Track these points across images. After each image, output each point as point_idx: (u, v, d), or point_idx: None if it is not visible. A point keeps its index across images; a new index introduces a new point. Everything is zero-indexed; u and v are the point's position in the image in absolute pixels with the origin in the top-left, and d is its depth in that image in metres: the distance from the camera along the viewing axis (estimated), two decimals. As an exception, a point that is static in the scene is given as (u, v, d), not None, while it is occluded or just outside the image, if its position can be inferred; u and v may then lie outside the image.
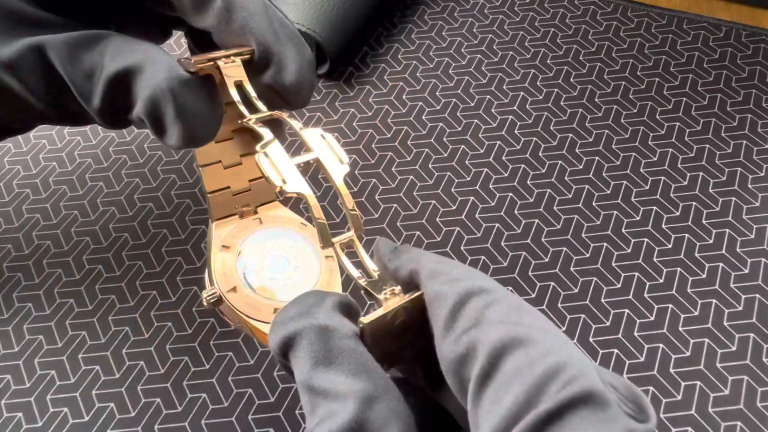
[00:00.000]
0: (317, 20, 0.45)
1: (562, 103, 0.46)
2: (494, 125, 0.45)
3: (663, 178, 0.42)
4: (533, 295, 0.37)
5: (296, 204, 0.39)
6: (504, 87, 0.47)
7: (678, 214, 0.41)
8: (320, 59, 0.48)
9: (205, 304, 0.29)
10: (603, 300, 0.37)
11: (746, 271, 0.38)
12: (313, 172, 0.42)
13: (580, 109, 0.46)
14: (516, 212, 0.41)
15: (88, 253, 0.40)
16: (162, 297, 0.38)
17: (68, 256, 0.40)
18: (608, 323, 0.36)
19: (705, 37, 0.49)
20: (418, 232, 0.40)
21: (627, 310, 0.37)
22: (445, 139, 0.44)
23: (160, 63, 0.26)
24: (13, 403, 0.35)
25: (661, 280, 0.38)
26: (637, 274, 0.38)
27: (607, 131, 0.44)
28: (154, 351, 0.36)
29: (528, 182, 0.42)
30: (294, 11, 0.46)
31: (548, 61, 0.49)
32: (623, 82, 0.47)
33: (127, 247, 0.40)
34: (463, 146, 0.44)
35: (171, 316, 0.37)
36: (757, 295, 0.37)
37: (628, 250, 0.39)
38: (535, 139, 0.44)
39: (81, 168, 0.44)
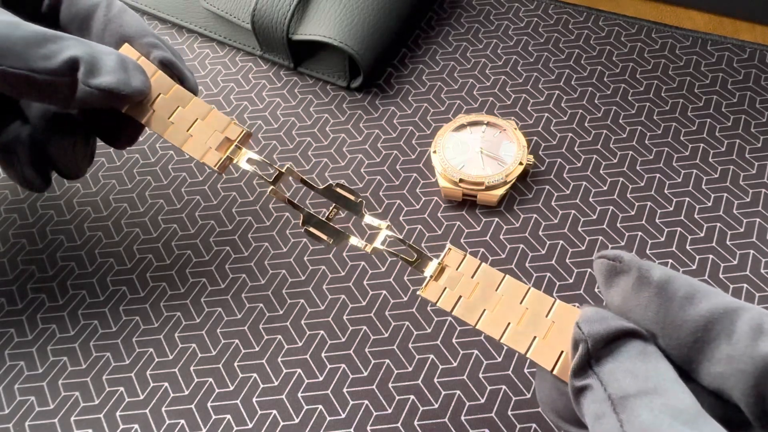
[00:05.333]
0: (349, 34, 0.46)
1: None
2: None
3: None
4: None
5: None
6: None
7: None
8: (354, 73, 0.48)
9: None
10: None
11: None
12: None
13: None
14: (535, 230, 0.41)
15: (112, 274, 0.40)
16: (186, 319, 0.38)
17: (92, 277, 0.40)
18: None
19: (729, 58, 0.49)
20: (440, 253, 0.40)
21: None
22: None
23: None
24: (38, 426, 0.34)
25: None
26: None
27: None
28: (179, 372, 0.36)
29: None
30: (325, 27, 0.46)
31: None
32: (647, 104, 0.47)
33: (151, 269, 0.40)
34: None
35: (195, 337, 0.37)
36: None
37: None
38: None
39: (106, 189, 0.44)
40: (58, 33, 0.32)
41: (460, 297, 0.28)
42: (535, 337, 0.26)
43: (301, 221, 0.32)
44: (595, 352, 0.22)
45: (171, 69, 0.34)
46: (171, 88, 0.34)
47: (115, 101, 0.32)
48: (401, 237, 0.31)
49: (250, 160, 0.34)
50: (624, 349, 0.22)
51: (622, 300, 0.24)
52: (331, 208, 0.33)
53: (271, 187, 0.33)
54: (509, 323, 0.27)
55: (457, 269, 0.29)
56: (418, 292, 0.29)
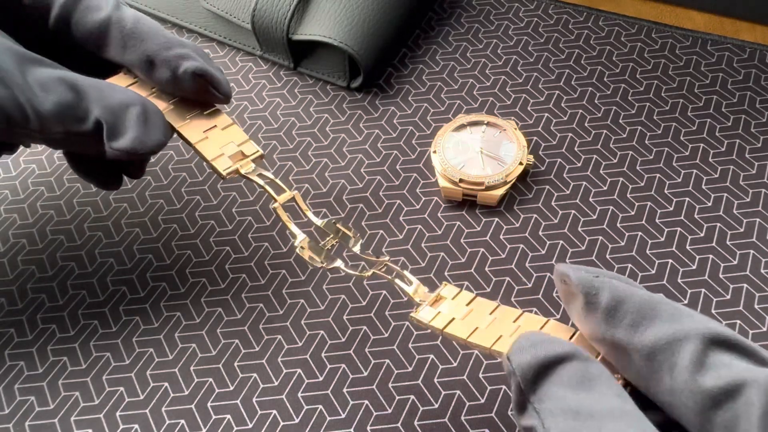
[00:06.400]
0: (349, 34, 0.46)
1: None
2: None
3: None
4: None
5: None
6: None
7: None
8: (354, 73, 0.48)
9: None
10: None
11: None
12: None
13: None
14: (541, 233, 0.41)
15: (112, 274, 0.40)
16: (186, 319, 0.38)
17: (92, 277, 0.40)
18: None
19: (729, 58, 0.49)
20: (442, 253, 0.40)
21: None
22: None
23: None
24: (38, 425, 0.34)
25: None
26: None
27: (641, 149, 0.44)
28: (179, 372, 0.36)
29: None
30: (325, 27, 0.46)
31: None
32: (647, 104, 0.47)
33: (151, 269, 0.40)
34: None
35: (195, 337, 0.37)
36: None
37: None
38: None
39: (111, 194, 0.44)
40: (79, 87, 0.31)
41: (453, 318, 0.29)
42: None
43: (297, 241, 0.33)
44: (527, 384, 0.21)
45: (204, 78, 0.34)
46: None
47: (135, 158, 0.33)
48: (399, 269, 0.32)
49: (261, 175, 0.34)
50: (562, 379, 0.21)
51: (578, 318, 0.24)
52: (327, 238, 0.34)
53: (277, 203, 0.33)
54: (500, 335, 0.27)
55: (452, 299, 0.30)
56: (410, 315, 0.30)
